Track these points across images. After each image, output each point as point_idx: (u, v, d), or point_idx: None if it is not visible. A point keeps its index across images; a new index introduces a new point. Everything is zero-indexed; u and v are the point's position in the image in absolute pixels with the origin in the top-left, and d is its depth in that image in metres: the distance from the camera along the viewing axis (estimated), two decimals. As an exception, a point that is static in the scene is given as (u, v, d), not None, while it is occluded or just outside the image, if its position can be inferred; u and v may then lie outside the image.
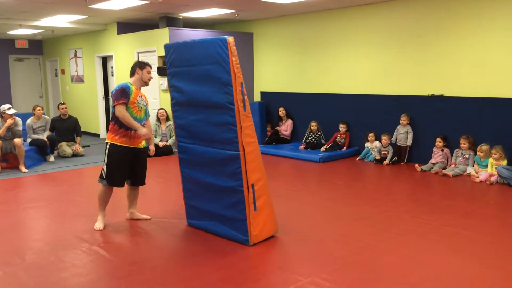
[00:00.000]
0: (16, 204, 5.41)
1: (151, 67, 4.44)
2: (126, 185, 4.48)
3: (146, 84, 4.41)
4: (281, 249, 3.84)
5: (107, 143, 4.29)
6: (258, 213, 3.82)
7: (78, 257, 3.69)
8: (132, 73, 4.36)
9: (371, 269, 3.41)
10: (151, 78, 4.46)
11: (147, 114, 4.49)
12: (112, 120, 4.29)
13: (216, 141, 3.88)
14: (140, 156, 4.42)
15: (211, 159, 3.96)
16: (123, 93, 4.16)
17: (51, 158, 7.95)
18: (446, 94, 7.03)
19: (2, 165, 7.12)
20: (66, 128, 8.42)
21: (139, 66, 4.35)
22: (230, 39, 3.62)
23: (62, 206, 5.24)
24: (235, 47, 3.66)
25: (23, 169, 7.09)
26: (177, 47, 4.10)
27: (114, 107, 4.18)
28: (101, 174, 4.31)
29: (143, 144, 4.44)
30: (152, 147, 4.66)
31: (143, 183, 4.55)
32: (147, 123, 4.53)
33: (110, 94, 4.31)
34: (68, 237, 4.17)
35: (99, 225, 4.38)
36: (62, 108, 8.48)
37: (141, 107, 4.34)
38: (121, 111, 4.13)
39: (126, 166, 4.31)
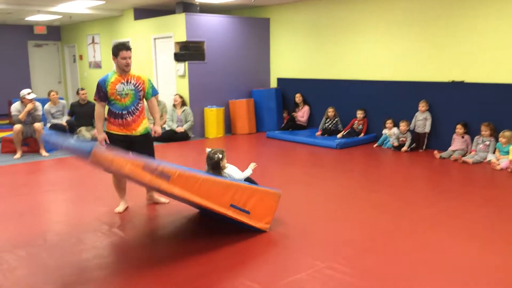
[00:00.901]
0: (37, 187, 5.52)
1: (127, 49, 4.18)
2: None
3: (124, 70, 4.21)
4: (298, 234, 3.84)
5: (106, 131, 4.35)
6: (254, 212, 3.71)
7: (98, 239, 3.76)
8: (113, 60, 4.26)
9: (388, 255, 3.40)
10: (128, 63, 4.18)
11: (148, 94, 4.34)
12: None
13: None
14: (138, 143, 4.28)
15: None
16: (97, 89, 4.23)
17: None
18: (467, 80, 6.90)
19: (23, 149, 7.24)
20: (85, 113, 8.50)
21: (114, 53, 4.19)
22: (91, 159, 2.93)
23: (82, 190, 5.32)
24: (103, 155, 3.00)
25: (44, 153, 7.21)
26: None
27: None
28: None
29: (139, 131, 4.29)
30: (156, 128, 4.47)
31: None
32: (151, 103, 4.41)
33: None
34: (88, 219, 4.24)
35: (119, 208, 4.44)
36: (83, 94, 8.55)
37: (124, 94, 4.19)
38: (95, 109, 4.31)
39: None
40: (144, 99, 4.38)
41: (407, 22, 7.52)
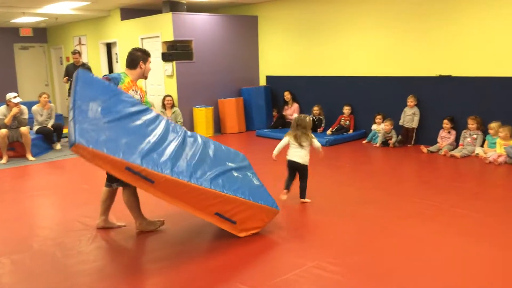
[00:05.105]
0: (23, 192, 5.45)
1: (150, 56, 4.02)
2: (106, 188, 3.99)
3: (146, 78, 4.01)
4: (287, 233, 3.82)
5: None
6: (240, 223, 3.63)
7: (84, 244, 3.71)
8: (134, 66, 3.88)
9: (376, 252, 3.39)
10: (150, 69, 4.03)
11: (147, 104, 4.05)
12: None
13: None
14: None
15: None
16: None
17: (58, 146, 7.98)
18: (454, 74, 6.91)
19: (9, 153, 7.15)
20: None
21: (143, 58, 3.88)
22: (73, 149, 2.99)
23: (69, 194, 5.26)
24: (87, 151, 2.98)
25: (30, 158, 7.12)
26: None
27: None
28: (110, 177, 3.80)
29: None
30: None
31: None
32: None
33: None
34: (74, 224, 4.19)
35: (157, 224, 3.99)
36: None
37: (144, 99, 3.96)
38: None
39: None
40: None
41: (394, 18, 7.52)
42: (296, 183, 4.60)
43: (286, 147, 4.60)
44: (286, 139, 4.55)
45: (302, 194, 4.58)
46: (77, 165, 6.77)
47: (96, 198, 4.88)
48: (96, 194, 5.08)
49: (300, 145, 4.48)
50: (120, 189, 3.89)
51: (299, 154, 4.50)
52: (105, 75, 3.87)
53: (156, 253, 3.56)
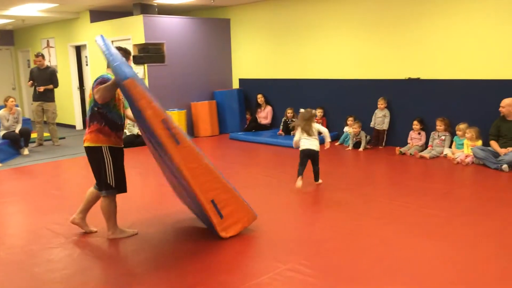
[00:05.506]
0: (-11, 199, 5.27)
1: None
2: (94, 190, 3.91)
3: None
4: (260, 237, 3.83)
5: (100, 147, 3.65)
6: (226, 219, 3.66)
7: (53, 252, 3.62)
8: None
9: (348, 254, 3.43)
10: None
11: (126, 104, 3.93)
12: (94, 120, 3.67)
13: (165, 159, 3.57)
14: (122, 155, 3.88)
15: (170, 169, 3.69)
16: (101, 81, 3.57)
17: (25, 151, 7.77)
18: (423, 77, 7.08)
19: (-26, 159, 6.93)
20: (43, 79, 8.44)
21: (125, 57, 3.72)
22: (127, 81, 3.10)
23: (37, 200, 5.13)
24: (138, 89, 3.15)
25: (-4, 163, 6.91)
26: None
27: (94, 100, 3.59)
28: (107, 185, 3.70)
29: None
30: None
31: None
32: (128, 112, 3.96)
33: (91, 87, 3.62)
34: (43, 231, 4.08)
35: (130, 232, 3.91)
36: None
37: (123, 102, 3.81)
38: (98, 92, 3.46)
39: (123, 168, 3.85)
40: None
41: (364, 23, 7.65)
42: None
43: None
44: (297, 133, 5.23)
45: (316, 177, 5.25)
46: (45, 171, 6.61)
47: (66, 204, 4.80)
48: (66, 199, 4.99)
49: (309, 135, 5.12)
50: (125, 197, 3.87)
51: (310, 142, 5.12)
52: (98, 78, 3.64)
53: (126, 259, 3.50)
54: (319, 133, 5.30)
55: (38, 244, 3.77)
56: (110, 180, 3.69)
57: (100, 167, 3.68)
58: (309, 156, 5.15)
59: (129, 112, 3.90)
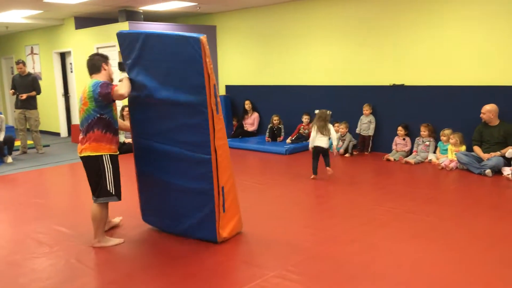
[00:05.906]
0: (-29, 208, 5.18)
1: None
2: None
3: (112, 80, 3.88)
4: (247, 243, 3.82)
5: (101, 155, 3.64)
6: (226, 214, 3.74)
7: (37, 262, 3.56)
8: (97, 69, 3.77)
9: (335, 260, 3.43)
10: None
11: None
12: (95, 127, 3.63)
13: (182, 142, 3.66)
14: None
15: (175, 159, 3.75)
16: (105, 85, 3.62)
17: (9, 160, 7.66)
18: (407, 83, 7.17)
19: (-44, 168, 6.80)
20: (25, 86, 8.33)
21: (104, 60, 3.81)
22: (203, 38, 3.35)
23: (20, 209, 5.04)
24: (208, 47, 3.40)
25: (-21, 172, 6.80)
26: (135, 37, 3.74)
27: (101, 105, 3.59)
28: (107, 192, 3.70)
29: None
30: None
31: None
32: (121, 122, 4.10)
33: (91, 94, 3.59)
34: (26, 241, 4.02)
35: (116, 241, 3.89)
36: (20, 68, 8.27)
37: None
38: (122, 88, 3.59)
39: (119, 175, 3.86)
40: None
41: (350, 30, 7.74)
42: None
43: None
44: (313, 131, 5.77)
45: (327, 165, 5.80)
46: (29, 179, 6.52)
47: (49, 212, 4.73)
48: (49, 208, 4.92)
49: (322, 134, 5.69)
50: (110, 203, 3.85)
51: (322, 140, 5.73)
52: (97, 83, 3.64)
53: (111, 269, 3.46)
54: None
55: (22, 254, 3.71)
56: (110, 188, 3.70)
57: (99, 176, 3.67)
58: (318, 152, 5.77)
59: (121, 122, 4.04)
